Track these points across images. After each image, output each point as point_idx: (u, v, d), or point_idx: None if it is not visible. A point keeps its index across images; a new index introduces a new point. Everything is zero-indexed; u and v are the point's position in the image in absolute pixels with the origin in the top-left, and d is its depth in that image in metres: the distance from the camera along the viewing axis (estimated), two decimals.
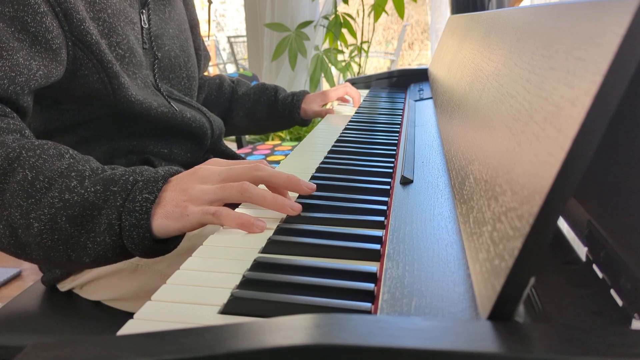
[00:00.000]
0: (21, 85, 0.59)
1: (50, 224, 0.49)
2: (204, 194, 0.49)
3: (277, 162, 1.61)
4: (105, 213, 0.49)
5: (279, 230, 0.48)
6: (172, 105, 0.80)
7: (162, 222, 0.48)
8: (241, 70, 4.59)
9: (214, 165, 0.53)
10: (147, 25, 0.81)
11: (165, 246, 0.51)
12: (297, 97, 1.12)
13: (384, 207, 0.53)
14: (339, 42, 2.49)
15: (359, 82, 1.50)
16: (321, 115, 1.13)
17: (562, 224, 0.42)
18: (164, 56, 0.84)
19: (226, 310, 0.35)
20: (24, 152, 0.52)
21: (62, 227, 0.49)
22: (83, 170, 0.52)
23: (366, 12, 2.45)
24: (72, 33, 0.66)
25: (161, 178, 0.50)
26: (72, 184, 0.50)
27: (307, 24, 2.44)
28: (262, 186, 0.54)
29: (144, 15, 0.81)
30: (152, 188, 0.49)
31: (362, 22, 2.49)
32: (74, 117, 0.73)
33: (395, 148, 0.78)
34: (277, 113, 1.12)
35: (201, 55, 1.01)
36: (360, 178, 0.63)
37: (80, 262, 0.51)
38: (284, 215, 0.52)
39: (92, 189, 0.49)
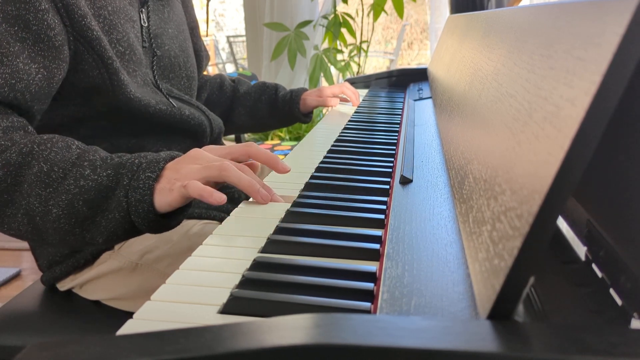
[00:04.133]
0: (21, 91, 0.61)
1: (68, 209, 0.54)
2: (190, 172, 0.54)
3: None
4: (116, 193, 0.54)
5: (278, 230, 0.48)
6: (170, 102, 0.80)
7: (158, 197, 0.54)
8: (240, 69, 4.58)
9: (209, 151, 0.58)
10: (146, 24, 0.81)
11: (168, 221, 0.56)
12: (296, 93, 1.14)
13: (384, 207, 0.53)
14: (338, 42, 2.49)
15: (359, 81, 1.50)
16: (322, 104, 1.13)
17: (562, 223, 0.42)
18: (164, 55, 0.84)
19: (226, 310, 0.35)
20: (35, 146, 0.57)
21: (79, 211, 0.54)
22: (94, 160, 0.57)
23: (365, 12, 2.45)
24: (74, 28, 0.67)
25: (162, 159, 0.56)
26: (86, 172, 0.55)
27: (306, 23, 2.44)
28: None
29: (144, 14, 0.81)
30: (154, 167, 0.55)
31: (362, 22, 2.49)
32: (74, 114, 0.73)
33: (394, 147, 0.78)
34: (278, 110, 1.14)
35: (202, 56, 1.02)
36: (360, 178, 0.63)
37: (94, 243, 0.56)
38: (283, 215, 0.52)
39: (105, 174, 0.55)
